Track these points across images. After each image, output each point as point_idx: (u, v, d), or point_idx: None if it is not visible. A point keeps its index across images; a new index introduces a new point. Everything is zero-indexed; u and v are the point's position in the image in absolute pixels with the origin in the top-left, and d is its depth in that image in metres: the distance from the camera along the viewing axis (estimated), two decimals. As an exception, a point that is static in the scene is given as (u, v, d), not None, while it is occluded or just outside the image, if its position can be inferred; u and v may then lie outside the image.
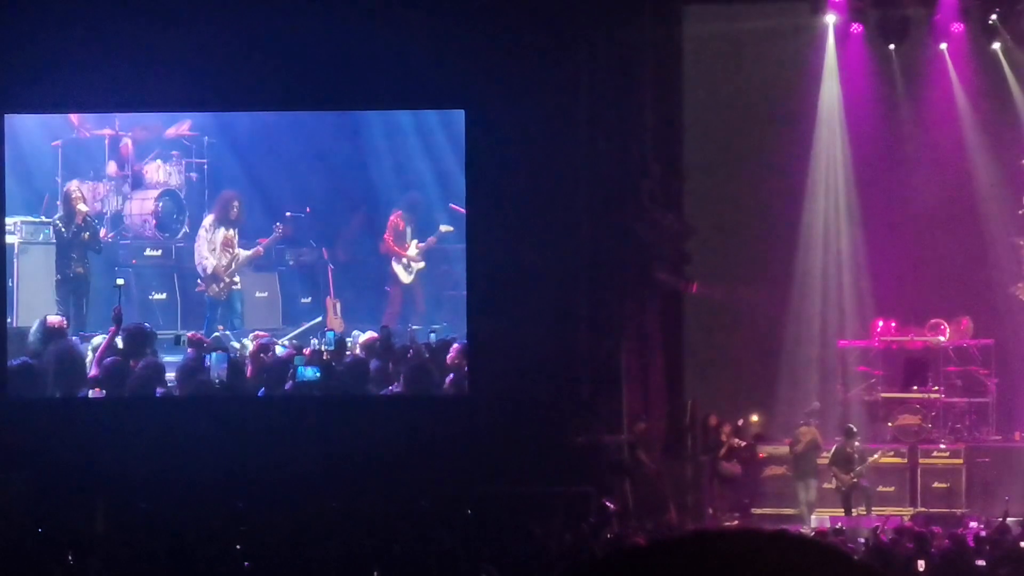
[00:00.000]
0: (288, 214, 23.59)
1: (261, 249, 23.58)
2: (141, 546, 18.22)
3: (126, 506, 20.67)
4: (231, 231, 23.57)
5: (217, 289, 23.56)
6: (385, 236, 23.71)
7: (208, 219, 23.57)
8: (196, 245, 23.54)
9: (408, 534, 18.75)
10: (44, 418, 22.19)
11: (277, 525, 19.44)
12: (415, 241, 23.74)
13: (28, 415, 22.30)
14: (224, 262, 23.54)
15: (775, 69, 24.20)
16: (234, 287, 23.62)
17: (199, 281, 23.59)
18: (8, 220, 22.93)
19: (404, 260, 23.70)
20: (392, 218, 23.68)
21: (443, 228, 23.49)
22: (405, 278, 23.73)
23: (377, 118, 23.74)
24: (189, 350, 22.90)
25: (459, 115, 22.99)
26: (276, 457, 21.44)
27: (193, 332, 23.17)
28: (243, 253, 23.61)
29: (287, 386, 22.79)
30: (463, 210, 23.17)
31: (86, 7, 22.41)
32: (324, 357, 22.90)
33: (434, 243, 23.59)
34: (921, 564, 17.27)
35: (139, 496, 20.79)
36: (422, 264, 23.68)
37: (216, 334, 23.26)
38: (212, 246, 23.51)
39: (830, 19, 24.33)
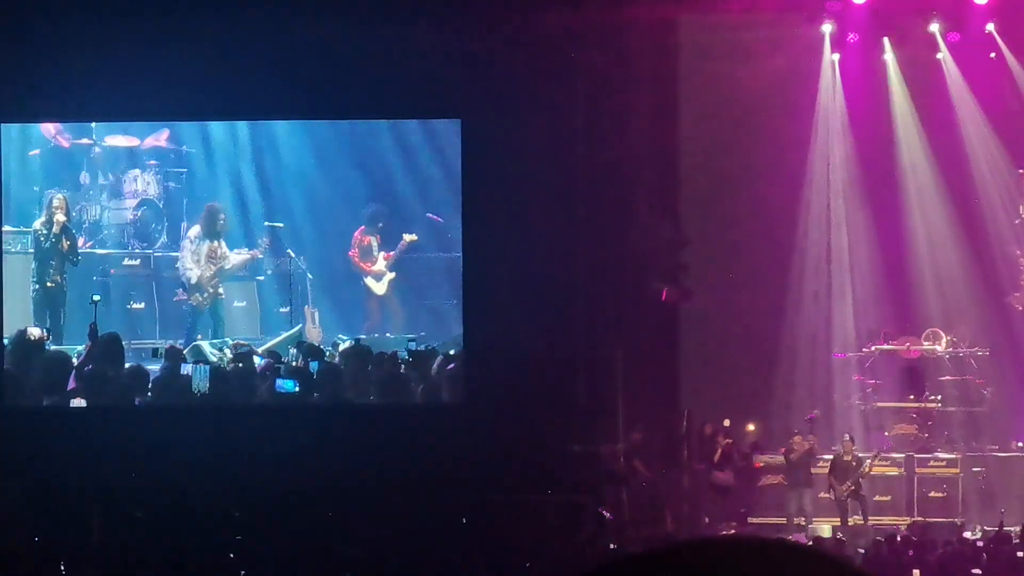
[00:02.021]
0: (266, 224, 23.59)
1: (259, 253, 23.55)
2: (136, 555, 18.19)
3: (121, 515, 20.64)
4: (216, 242, 23.55)
5: (200, 299, 23.56)
6: (350, 253, 23.70)
7: (193, 230, 23.55)
8: (180, 255, 23.52)
9: (404, 543, 18.72)
10: (39, 427, 22.16)
11: (273, 534, 19.41)
12: (383, 253, 23.71)
13: (23, 423, 22.27)
14: (208, 273, 23.52)
15: (771, 78, 24.17)
16: (219, 296, 23.61)
17: (180, 291, 23.56)
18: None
19: (372, 273, 23.68)
20: (356, 234, 23.66)
21: (407, 238, 23.49)
22: (378, 290, 23.72)
23: (357, 128, 23.71)
24: (165, 362, 22.87)
25: (442, 124, 22.99)
26: (271, 466, 21.41)
27: (171, 343, 23.14)
28: (236, 258, 23.57)
29: (252, 395, 22.76)
30: (440, 219, 23.20)
31: (77, 17, 22.38)
32: (296, 365, 22.90)
33: (404, 248, 23.54)
34: (916, 573, 17.26)
35: (134, 505, 20.77)
36: (392, 275, 23.66)
37: (195, 344, 23.24)
38: (197, 257, 23.49)
39: (826, 28, 24.33)
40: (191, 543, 18.61)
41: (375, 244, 23.74)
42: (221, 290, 23.58)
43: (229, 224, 23.62)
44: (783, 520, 23.16)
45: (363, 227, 23.68)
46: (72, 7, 22.48)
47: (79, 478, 21.30)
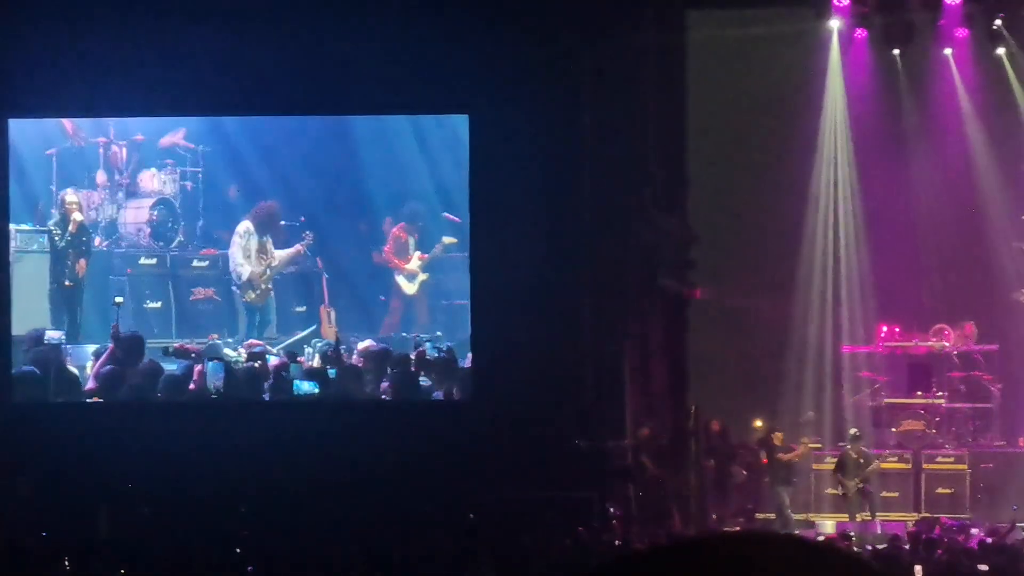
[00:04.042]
0: (283, 223, 23.58)
1: (302, 247, 23.53)
2: (143, 550, 18.20)
3: (129, 510, 20.66)
4: (266, 238, 23.55)
5: (254, 296, 23.56)
6: (385, 249, 23.65)
7: (243, 225, 23.50)
8: (231, 251, 23.52)
9: (410, 539, 18.73)
10: (48, 423, 22.18)
11: (279, 529, 19.42)
12: (418, 253, 23.68)
13: (33, 420, 22.28)
14: (260, 268, 23.51)
15: (779, 74, 24.15)
16: (269, 294, 23.61)
17: (235, 288, 23.56)
18: (2, 227, 22.98)
19: (405, 272, 23.64)
20: (394, 230, 23.63)
21: (446, 240, 23.44)
22: (409, 289, 23.67)
23: (374, 124, 23.70)
24: (182, 360, 22.84)
25: (458, 120, 22.98)
26: (278, 462, 21.43)
27: (180, 343, 23.11)
28: (281, 254, 23.56)
29: (267, 395, 22.70)
30: (457, 219, 23.20)
31: (88, 13, 22.38)
32: (316, 365, 22.87)
33: (440, 251, 23.53)
34: (918, 570, 17.22)
35: (141, 500, 20.79)
36: (425, 276, 23.61)
37: (210, 343, 23.22)
38: (247, 253, 23.48)
39: (834, 24, 24.30)
40: (198, 538, 18.62)
41: (412, 242, 23.69)
42: (271, 287, 23.57)
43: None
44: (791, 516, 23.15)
45: (402, 223, 23.63)
46: (81, 1, 22.48)
47: (87, 475, 21.31)
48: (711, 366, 24.22)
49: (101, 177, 23.70)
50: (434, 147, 23.50)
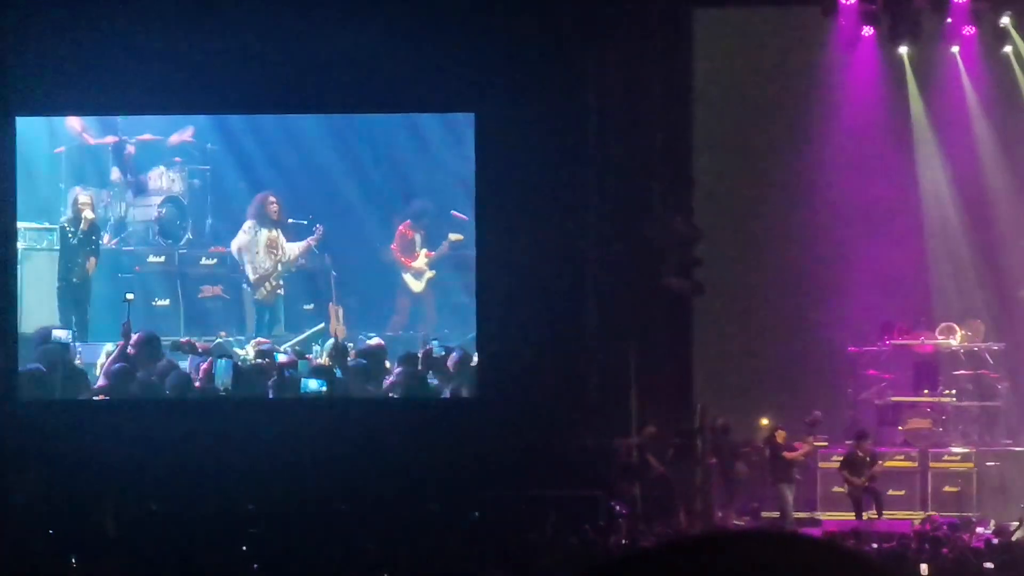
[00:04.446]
0: (290, 220, 23.58)
1: (312, 241, 23.50)
2: (151, 547, 18.23)
3: (136, 508, 20.68)
4: (274, 232, 23.53)
5: (265, 292, 23.54)
6: (392, 247, 23.64)
7: (248, 223, 23.49)
8: (236, 247, 23.45)
9: (416, 537, 18.75)
10: (56, 421, 22.21)
11: (286, 527, 19.44)
12: (424, 250, 23.67)
13: (40, 418, 22.31)
14: (269, 264, 23.49)
15: (785, 73, 24.15)
16: (279, 291, 23.60)
17: (245, 286, 23.55)
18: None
19: (412, 270, 23.63)
20: (400, 228, 23.63)
21: (453, 237, 23.43)
22: (416, 287, 23.67)
23: (381, 122, 23.71)
24: (191, 358, 22.86)
25: (465, 119, 22.99)
26: (285, 460, 21.45)
27: (187, 339, 23.11)
28: (292, 248, 23.52)
29: (274, 393, 22.70)
30: (464, 217, 23.19)
31: (96, 12, 22.40)
32: (325, 363, 22.88)
33: (446, 250, 23.54)
34: (924, 568, 17.22)
35: (149, 498, 20.82)
36: (432, 273, 23.60)
37: (218, 341, 23.23)
38: (256, 248, 23.46)
39: (841, 23, 24.27)
40: (205, 536, 18.64)
41: (419, 240, 23.69)
42: (281, 283, 23.54)
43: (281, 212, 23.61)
44: (796, 514, 23.12)
45: (408, 221, 23.63)
46: (89, 1, 22.51)
47: (94, 473, 21.33)
48: (717, 364, 24.21)
49: (116, 175, 23.73)
50: (441, 145, 23.51)
